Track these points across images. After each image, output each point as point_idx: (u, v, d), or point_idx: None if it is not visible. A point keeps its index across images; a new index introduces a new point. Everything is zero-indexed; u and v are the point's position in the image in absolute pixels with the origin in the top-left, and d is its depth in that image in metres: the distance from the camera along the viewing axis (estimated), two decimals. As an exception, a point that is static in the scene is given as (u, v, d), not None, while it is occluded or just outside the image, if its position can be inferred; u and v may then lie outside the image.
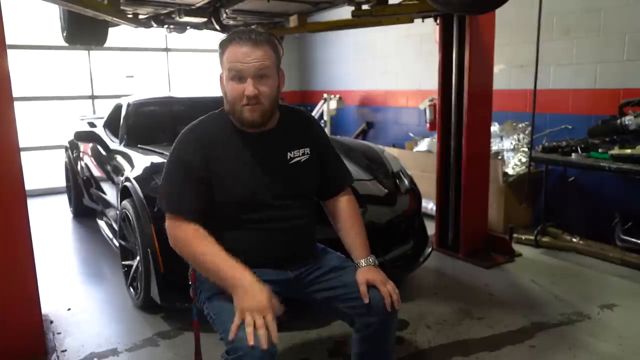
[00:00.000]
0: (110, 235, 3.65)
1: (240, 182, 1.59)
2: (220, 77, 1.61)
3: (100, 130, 4.31)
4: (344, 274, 1.65)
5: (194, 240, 1.52)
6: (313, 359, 2.40)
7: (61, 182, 5.49)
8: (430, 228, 3.67)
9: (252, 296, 1.37)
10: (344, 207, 1.79)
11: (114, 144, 3.88)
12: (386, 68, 6.20)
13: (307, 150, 1.71)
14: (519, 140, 4.50)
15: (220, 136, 1.62)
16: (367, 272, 1.60)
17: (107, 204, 3.88)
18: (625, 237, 3.58)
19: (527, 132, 4.40)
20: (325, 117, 6.70)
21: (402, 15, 3.51)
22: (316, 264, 1.70)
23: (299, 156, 1.69)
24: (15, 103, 2.21)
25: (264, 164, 1.63)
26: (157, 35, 6.49)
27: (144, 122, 3.94)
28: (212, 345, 2.52)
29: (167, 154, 3.19)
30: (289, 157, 1.67)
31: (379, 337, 1.61)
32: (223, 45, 1.56)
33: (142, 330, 2.70)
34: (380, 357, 1.67)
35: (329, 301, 1.65)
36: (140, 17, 3.92)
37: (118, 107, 4.24)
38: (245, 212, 1.61)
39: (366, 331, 1.60)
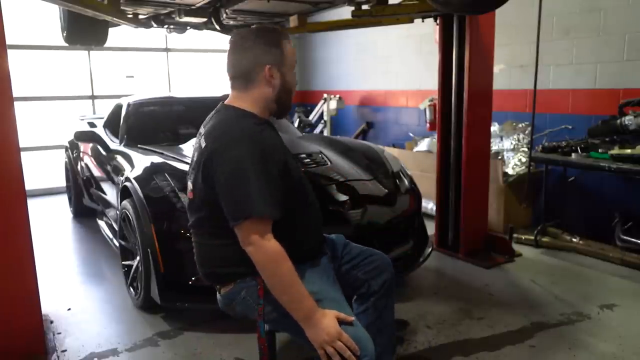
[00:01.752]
0: (110, 235, 3.65)
1: (294, 164, 1.75)
2: (269, 71, 1.63)
3: (100, 130, 4.32)
4: (352, 248, 1.89)
5: (283, 260, 1.50)
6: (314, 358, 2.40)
7: (61, 182, 5.49)
8: (430, 228, 3.67)
9: (322, 328, 1.47)
10: None
11: (114, 144, 3.88)
12: (386, 68, 6.20)
13: None
14: (519, 140, 4.50)
15: (259, 127, 1.64)
16: None
17: (107, 204, 3.88)
18: (625, 237, 3.58)
19: (527, 132, 4.40)
20: (325, 117, 6.70)
21: (402, 15, 3.51)
22: (332, 247, 1.87)
23: None
24: (15, 103, 2.21)
25: (285, 144, 1.78)
26: (157, 35, 6.49)
27: (144, 122, 3.94)
28: (212, 345, 2.53)
29: (168, 154, 3.24)
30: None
31: (392, 289, 1.86)
32: (279, 39, 1.66)
33: (142, 330, 2.70)
34: (391, 307, 1.89)
35: (350, 272, 1.84)
36: (140, 17, 3.92)
37: (118, 107, 4.24)
38: (304, 188, 1.75)
39: (383, 288, 1.82)
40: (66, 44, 4.25)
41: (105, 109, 5.30)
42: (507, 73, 4.61)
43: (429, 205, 4.51)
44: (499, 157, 4.42)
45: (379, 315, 1.82)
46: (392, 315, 1.90)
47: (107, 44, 4.33)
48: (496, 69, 3.77)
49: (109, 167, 3.71)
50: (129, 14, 3.72)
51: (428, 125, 5.39)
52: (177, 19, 3.67)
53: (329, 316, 1.48)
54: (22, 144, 2.28)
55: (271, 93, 1.67)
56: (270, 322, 1.64)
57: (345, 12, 3.41)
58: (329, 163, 3.08)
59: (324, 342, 1.45)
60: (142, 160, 3.16)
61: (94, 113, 6.24)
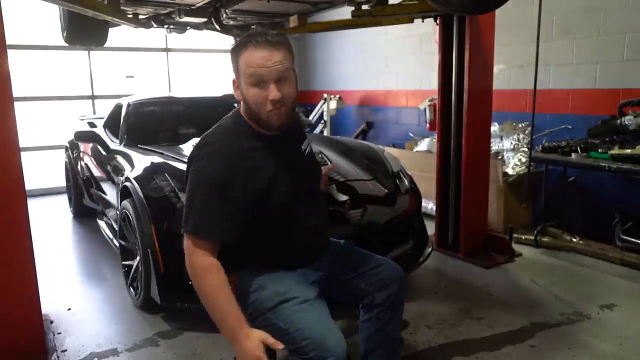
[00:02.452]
0: (110, 235, 3.65)
1: (282, 186, 1.58)
2: (234, 83, 1.58)
3: (100, 130, 4.32)
4: (359, 256, 1.81)
5: (205, 275, 1.47)
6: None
7: (61, 182, 5.49)
8: (430, 228, 3.67)
9: (243, 348, 1.38)
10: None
11: (114, 144, 3.88)
12: (386, 68, 6.20)
13: (307, 140, 1.78)
14: (519, 140, 4.50)
15: (249, 145, 1.56)
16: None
17: (107, 204, 3.88)
18: (625, 237, 3.58)
19: (527, 132, 4.40)
20: (325, 117, 6.70)
21: (402, 15, 3.51)
22: (335, 254, 1.78)
23: (307, 147, 1.75)
24: (15, 103, 2.21)
25: (292, 162, 1.65)
26: (157, 35, 6.48)
27: (144, 122, 3.95)
28: (212, 345, 2.53)
29: (168, 154, 3.24)
30: (303, 149, 1.73)
31: (398, 303, 1.77)
32: (237, 50, 1.51)
33: (142, 330, 2.70)
34: (397, 320, 1.81)
35: (352, 281, 1.76)
36: (140, 17, 3.92)
37: (118, 107, 4.24)
38: (289, 214, 1.61)
39: (387, 302, 1.74)
40: (66, 44, 4.25)
41: (105, 109, 5.30)
42: (507, 73, 4.60)
43: (429, 205, 4.51)
44: (499, 157, 4.42)
45: (382, 327, 1.77)
46: (398, 328, 1.84)
47: (107, 44, 4.33)
48: (496, 69, 3.77)
49: (109, 167, 3.71)
50: (129, 14, 3.72)
51: (428, 125, 5.39)
52: (177, 19, 3.67)
53: (253, 339, 1.38)
54: (22, 144, 2.27)
55: (241, 104, 1.60)
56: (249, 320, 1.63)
57: (345, 12, 3.41)
58: (329, 163, 3.09)
59: None
60: (142, 160, 3.16)
61: (94, 113, 6.24)
